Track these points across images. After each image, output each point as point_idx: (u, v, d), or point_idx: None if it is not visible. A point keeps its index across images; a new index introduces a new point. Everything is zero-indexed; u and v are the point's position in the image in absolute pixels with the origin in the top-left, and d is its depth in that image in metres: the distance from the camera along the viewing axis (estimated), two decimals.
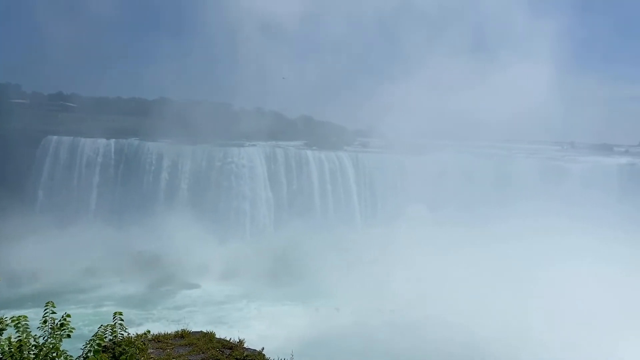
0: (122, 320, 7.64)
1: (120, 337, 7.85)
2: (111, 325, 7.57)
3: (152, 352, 9.93)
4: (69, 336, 6.97)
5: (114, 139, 61.85)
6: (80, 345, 7.31)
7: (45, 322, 6.94)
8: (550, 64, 76.86)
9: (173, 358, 9.90)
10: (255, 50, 78.07)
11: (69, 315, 7.13)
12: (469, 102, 73.82)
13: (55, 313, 7.04)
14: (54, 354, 6.79)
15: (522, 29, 77.03)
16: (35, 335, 6.88)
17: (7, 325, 6.75)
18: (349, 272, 43.04)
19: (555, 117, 77.47)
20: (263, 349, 10.74)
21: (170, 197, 58.01)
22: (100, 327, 7.49)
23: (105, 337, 7.44)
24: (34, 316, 6.85)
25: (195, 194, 58.28)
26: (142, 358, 8.69)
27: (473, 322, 33.34)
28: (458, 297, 37.30)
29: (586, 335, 31.87)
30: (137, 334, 9.55)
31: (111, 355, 7.76)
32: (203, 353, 10.26)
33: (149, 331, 9.96)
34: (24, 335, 6.73)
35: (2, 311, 8.17)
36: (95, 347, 7.13)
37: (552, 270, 40.95)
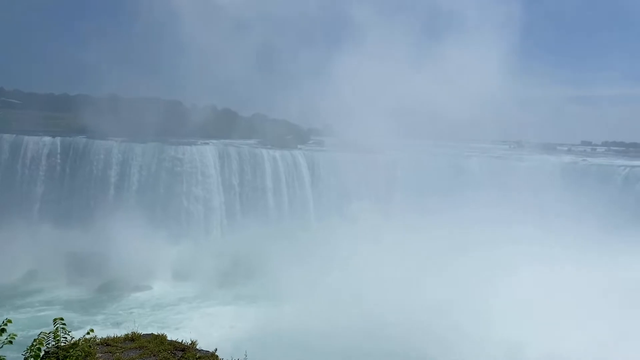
0: (64, 325, 7.33)
1: (64, 342, 7.53)
2: (53, 332, 7.25)
3: (100, 357, 9.60)
4: (10, 342, 6.64)
5: (59, 137, 59.62)
6: (23, 352, 6.98)
7: None
8: (499, 68, 79.10)
9: None
10: (204, 44, 76.64)
11: (9, 321, 6.77)
12: (420, 102, 75.07)
13: None
14: None
15: (471, 32, 78.88)
16: None
17: None
18: (303, 272, 42.89)
19: (503, 117, 79.85)
20: (216, 350, 10.61)
21: (118, 197, 56.34)
22: (40, 334, 7.15)
23: (47, 342, 7.11)
24: None
25: (144, 194, 56.84)
26: None
27: (412, 316, 33.80)
28: (400, 292, 37.77)
29: (524, 323, 32.91)
30: (84, 337, 9.21)
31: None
32: (154, 356, 10.01)
33: (94, 333, 9.58)
34: None
35: None
36: (36, 351, 6.80)
37: (499, 259, 42.06)
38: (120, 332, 11.15)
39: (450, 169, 63.77)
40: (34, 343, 6.83)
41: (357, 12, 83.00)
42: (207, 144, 62.59)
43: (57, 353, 7.46)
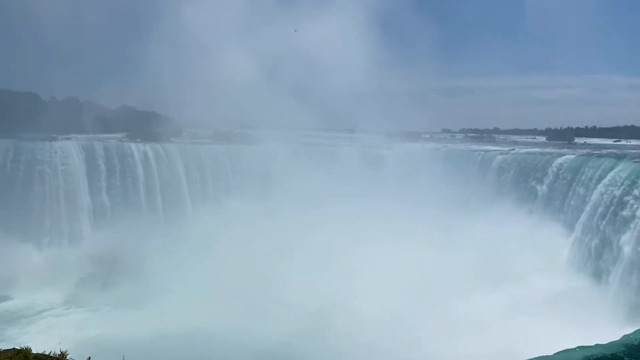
0: None
1: None
2: None
3: None
4: None
5: None
6: None
7: None
8: (366, 59, 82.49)
9: None
10: (65, 32, 70.73)
11: None
12: (294, 94, 76.18)
13: None
14: None
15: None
16: None
17: None
18: (182, 269, 41.63)
19: (371, 107, 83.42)
20: (89, 358, 9.95)
21: None
22: None
23: None
24: None
25: None
26: None
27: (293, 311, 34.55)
28: (285, 284, 38.28)
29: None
30: None
31: None
32: None
33: None
34: None
35: None
36: None
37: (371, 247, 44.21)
38: None
39: (323, 159, 65.56)
40: None
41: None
42: (69, 139, 58.08)
43: None
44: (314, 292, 36.42)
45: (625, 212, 38.19)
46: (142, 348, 29.38)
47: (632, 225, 36.62)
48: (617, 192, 40.16)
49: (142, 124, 71.68)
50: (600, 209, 41.44)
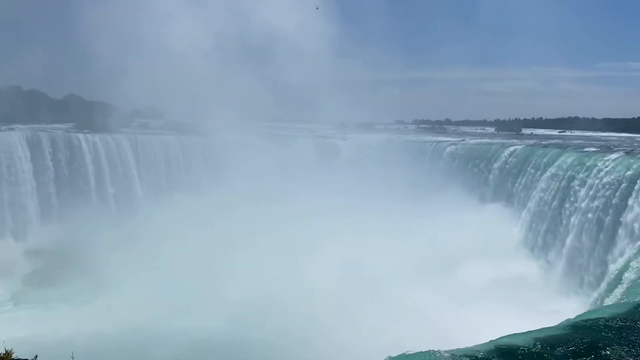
0: None
1: None
2: None
3: None
4: None
5: None
6: None
7: None
8: (321, 50, 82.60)
9: None
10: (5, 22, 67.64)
11: None
12: (252, 86, 75.55)
13: None
14: None
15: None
16: None
17: None
18: (133, 263, 40.53)
19: (326, 98, 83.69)
20: (37, 356, 9.64)
21: None
22: None
23: None
24: None
25: None
26: None
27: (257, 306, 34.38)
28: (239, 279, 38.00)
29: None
30: None
31: None
32: None
33: None
34: None
35: None
36: None
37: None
38: None
39: (278, 150, 65.44)
40: None
41: None
42: (13, 129, 55.60)
43: None
44: (260, 286, 36.28)
45: (570, 200, 39.85)
46: (91, 345, 28.65)
47: (575, 212, 38.24)
48: (562, 181, 41.86)
49: (91, 114, 69.36)
50: (546, 197, 43.11)
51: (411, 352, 9.10)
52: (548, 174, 44.48)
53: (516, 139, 75.50)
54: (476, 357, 8.99)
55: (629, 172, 34.72)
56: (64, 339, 29.98)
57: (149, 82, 70.09)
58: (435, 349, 9.15)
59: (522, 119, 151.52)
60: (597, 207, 35.78)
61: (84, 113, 69.21)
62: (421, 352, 9.26)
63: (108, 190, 57.82)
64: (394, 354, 9.16)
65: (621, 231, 32.43)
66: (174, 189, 60.17)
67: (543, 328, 11.33)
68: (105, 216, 53.36)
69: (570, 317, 12.64)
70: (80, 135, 58.50)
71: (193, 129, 67.83)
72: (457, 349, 9.34)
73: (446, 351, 9.31)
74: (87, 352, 27.42)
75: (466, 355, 8.96)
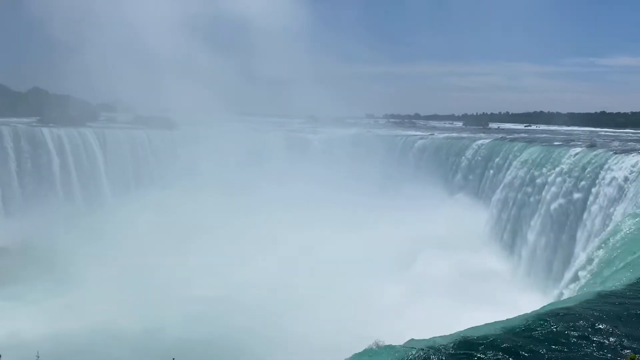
0: None
1: None
2: None
3: None
4: None
5: None
6: None
7: None
8: (292, 44, 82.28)
9: None
10: None
11: None
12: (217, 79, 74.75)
13: None
14: None
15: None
16: None
17: None
18: (98, 260, 39.64)
19: (296, 92, 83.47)
20: (0, 357, 9.41)
21: None
22: None
23: None
24: None
25: None
26: None
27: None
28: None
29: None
30: None
31: None
32: None
33: None
34: None
35: None
36: None
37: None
38: None
39: (248, 143, 64.99)
40: None
41: None
42: None
43: None
44: (223, 281, 35.81)
45: (535, 193, 40.72)
46: (57, 344, 28.00)
47: (540, 205, 39.11)
48: (527, 174, 42.74)
49: (56, 108, 67.68)
50: (512, 190, 43.95)
51: (375, 347, 9.15)
52: (514, 167, 45.34)
53: (483, 133, 76.76)
54: (440, 348, 9.13)
55: (590, 166, 35.67)
56: (28, 337, 29.22)
57: (116, 76, 68.78)
58: (395, 344, 9.24)
59: (489, 113, 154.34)
60: (561, 200, 36.65)
61: (48, 107, 67.49)
62: (390, 345, 9.32)
63: (74, 186, 56.53)
64: (354, 349, 9.22)
65: (583, 224, 33.32)
66: (141, 183, 59.21)
67: (508, 319, 11.57)
68: (71, 212, 52.09)
69: (535, 309, 12.95)
70: (45, 129, 57.02)
71: (161, 124, 66.82)
72: (422, 339, 9.45)
73: (411, 341, 9.42)
74: (53, 350, 26.87)
75: (431, 347, 9.09)
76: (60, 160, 56.13)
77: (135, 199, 53.97)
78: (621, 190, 31.15)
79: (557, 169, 38.85)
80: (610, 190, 32.13)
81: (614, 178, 32.48)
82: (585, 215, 33.58)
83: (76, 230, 45.47)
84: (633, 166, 31.90)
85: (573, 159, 38.31)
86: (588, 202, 33.77)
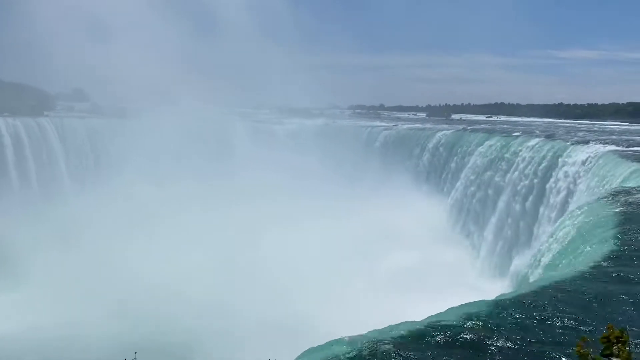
0: None
1: None
2: None
3: None
4: None
5: None
6: None
7: None
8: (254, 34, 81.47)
9: None
10: None
11: None
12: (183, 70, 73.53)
13: None
14: None
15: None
16: None
17: None
18: (56, 258, 38.42)
19: (260, 83, 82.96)
20: None
21: None
22: None
23: None
24: None
25: None
26: None
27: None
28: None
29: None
30: None
31: None
32: None
33: None
34: None
35: None
36: None
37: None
38: None
39: (217, 134, 64.30)
40: None
41: None
42: None
43: None
44: (178, 279, 34.93)
45: (495, 183, 41.60)
46: (11, 341, 27.18)
47: (501, 195, 40.00)
48: (489, 165, 43.63)
49: (11, 97, 65.26)
50: (473, 180, 44.81)
51: (331, 340, 9.16)
52: (475, 158, 46.19)
53: (446, 124, 77.82)
54: (405, 335, 9.22)
55: (549, 156, 36.59)
56: None
57: (74, 64, 66.86)
58: (356, 334, 9.28)
59: (451, 104, 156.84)
60: (521, 189, 37.54)
61: (3, 95, 65.01)
62: (343, 338, 9.33)
63: (31, 179, 54.68)
64: (315, 342, 9.22)
65: (543, 211, 34.17)
66: (102, 175, 57.71)
67: (470, 302, 11.76)
68: (28, 206, 50.37)
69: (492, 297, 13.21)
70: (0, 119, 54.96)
71: (122, 113, 65.28)
72: (377, 329, 9.51)
73: (370, 332, 9.47)
74: (8, 348, 26.14)
75: (387, 336, 9.16)
76: (16, 152, 54.15)
77: (96, 192, 52.62)
78: (577, 180, 32.04)
79: (518, 159, 39.74)
80: (567, 181, 33.02)
81: (571, 167, 33.31)
82: (544, 203, 34.46)
83: (33, 225, 43.98)
84: (588, 157, 32.84)
85: (533, 149, 39.23)
86: (546, 191, 34.67)
